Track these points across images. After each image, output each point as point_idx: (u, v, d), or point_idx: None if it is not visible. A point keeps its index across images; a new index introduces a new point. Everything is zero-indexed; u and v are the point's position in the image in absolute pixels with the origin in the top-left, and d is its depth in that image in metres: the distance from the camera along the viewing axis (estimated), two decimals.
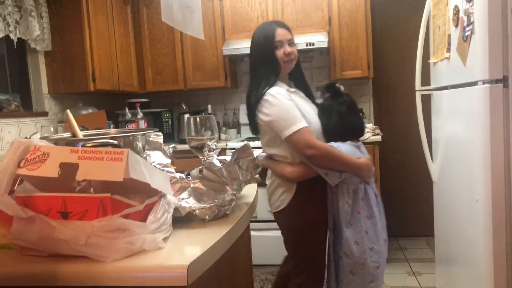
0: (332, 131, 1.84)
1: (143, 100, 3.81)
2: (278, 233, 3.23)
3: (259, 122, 1.85)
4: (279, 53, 1.84)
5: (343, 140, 1.82)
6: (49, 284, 0.85)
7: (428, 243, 3.75)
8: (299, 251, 1.93)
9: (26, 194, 0.92)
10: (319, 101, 1.99)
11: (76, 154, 0.89)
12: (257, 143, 3.29)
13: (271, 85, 1.81)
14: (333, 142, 1.80)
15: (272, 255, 3.27)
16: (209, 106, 3.83)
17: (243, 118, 3.91)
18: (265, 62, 1.86)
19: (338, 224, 1.83)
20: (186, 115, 3.75)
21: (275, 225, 3.25)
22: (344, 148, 1.77)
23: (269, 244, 3.27)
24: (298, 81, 1.99)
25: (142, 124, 3.48)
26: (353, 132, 1.87)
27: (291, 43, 1.87)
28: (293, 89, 1.91)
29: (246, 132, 3.92)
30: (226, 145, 3.37)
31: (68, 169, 0.91)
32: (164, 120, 3.82)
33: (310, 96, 1.98)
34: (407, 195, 3.89)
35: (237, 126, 3.99)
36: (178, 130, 3.85)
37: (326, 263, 1.94)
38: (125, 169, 0.87)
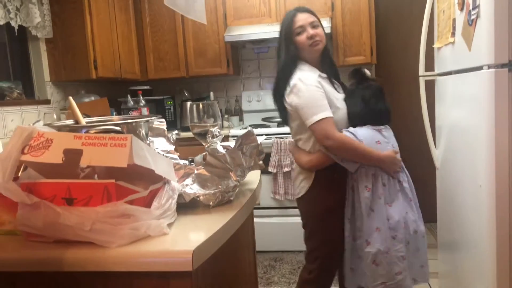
0: (356, 116, 1.83)
1: (145, 87, 3.80)
2: (281, 219, 3.27)
3: (287, 107, 1.86)
4: (302, 38, 1.83)
5: (365, 123, 1.81)
6: (55, 270, 0.86)
7: (430, 229, 3.75)
8: (314, 238, 1.95)
9: (31, 180, 0.92)
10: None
11: (79, 140, 0.89)
12: (260, 130, 3.30)
13: (301, 69, 1.83)
14: (351, 128, 1.79)
15: (275, 241, 3.30)
16: (211, 93, 3.82)
17: (246, 105, 3.90)
18: (288, 50, 1.86)
19: (359, 211, 1.78)
20: (189, 102, 3.75)
21: (278, 211, 3.29)
22: (361, 132, 1.76)
23: (272, 231, 3.29)
24: (327, 65, 1.94)
25: (145, 111, 3.48)
26: (376, 117, 1.83)
27: (315, 25, 1.84)
28: (324, 75, 1.88)
29: (249, 119, 3.92)
30: (229, 132, 3.36)
31: (72, 155, 0.91)
32: (166, 107, 3.81)
33: (339, 81, 1.97)
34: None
35: (239, 113, 3.98)
36: (180, 118, 3.84)
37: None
38: (129, 155, 0.86)
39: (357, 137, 1.75)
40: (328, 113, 1.74)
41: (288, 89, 1.83)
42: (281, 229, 3.29)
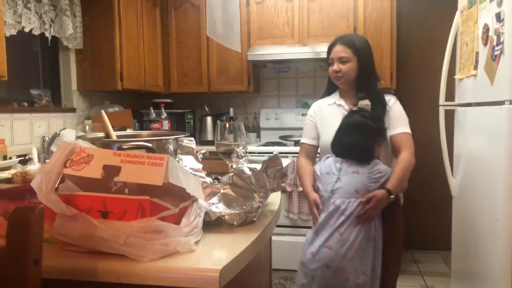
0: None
1: (167, 100, 3.89)
2: (293, 238, 3.29)
3: None
4: (330, 70, 1.98)
5: (332, 152, 1.88)
6: (89, 279, 0.90)
7: (443, 258, 3.73)
8: None
9: (69, 192, 0.98)
10: None
11: (119, 157, 0.95)
12: (277, 148, 3.34)
13: (326, 94, 2.10)
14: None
15: (286, 260, 3.30)
16: (231, 109, 3.88)
17: (264, 122, 3.96)
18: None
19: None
20: (209, 117, 3.82)
21: (291, 230, 3.31)
22: (324, 162, 1.89)
23: (283, 249, 3.30)
24: (364, 92, 1.94)
25: (166, 124, 3.55)
26: (340, 151, 1.85)
27: (343, 61, 1.92)
28: (340, 102, 2.00)
29: (266, 136, 3.97)
30: (246, 149, 3.41)
31: (108, 170, 0.96)
32: (186, 121, 3.89)
33: (376, 107, 1.91)
34: (425, 208, 3.88)
35: (257, 130, 4.03)
36: (200, 132, 3.91)
37: None
38: (165, 174, 0.91)
39: (318, 165, 1.92)
40: (303, 140, 2.07)
41: None
42: (293, 248, 3.30)
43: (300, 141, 2.10)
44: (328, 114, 1.99)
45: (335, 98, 2.03)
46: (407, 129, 1.90)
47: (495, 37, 1.76)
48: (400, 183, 1.78)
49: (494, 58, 1.77)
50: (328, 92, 2.09)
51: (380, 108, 1.91)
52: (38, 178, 0.95)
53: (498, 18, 1.73)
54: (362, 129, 1.80)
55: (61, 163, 0.95)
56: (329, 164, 1.84)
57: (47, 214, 1.00)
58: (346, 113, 1.92)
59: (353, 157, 1.80)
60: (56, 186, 1.05)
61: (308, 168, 1.97)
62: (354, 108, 1.88)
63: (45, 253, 0.96)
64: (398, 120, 1.89)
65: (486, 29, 1.86)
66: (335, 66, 1.93)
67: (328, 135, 1.92)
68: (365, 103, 1.83)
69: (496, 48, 1.74)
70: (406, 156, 1.83)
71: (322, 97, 2.11)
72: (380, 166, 1.78)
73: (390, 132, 1.88)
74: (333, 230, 1.74)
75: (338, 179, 1.79)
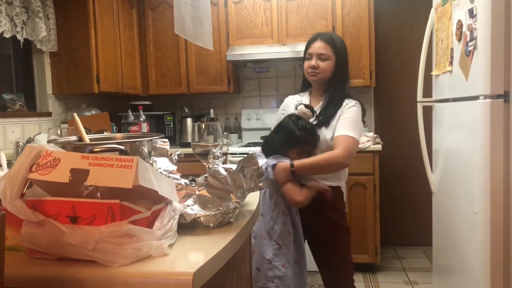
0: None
1: (146, 102, 3.84)
2: None
3: None
4: (306, 64, 1.95)
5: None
6: (58, 287, 0.87)
7: (425, 253, 3.77)
8: None
9: (36, 197, 0.94)
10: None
11: (86, 161, 0.91)
12: (259, 148, 3.32)
13: (300, 91, 2.10)
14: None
15: None
16: (212, 111, 3.86)
17: (245, 123, 3.94)
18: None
19: None
20: (189, 119, 3.78)
21: None
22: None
23: None
24: (329, 94, 1.98)
25: (145, 126, 3.50)
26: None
27: (321, 58, 1.90)
28: (306, 102, 2.00)
29: (247, 137, 3.95)
30: (228, 149, 3.39)
31: (77, 174, 0.93)
32: (166, 123, 3.84)
33: (324, 112, 1.95)
34: (405, 204, 3.92)
35: (238, 131, 4.01)
36: (180, 134, 3.87)
37: None
38: (135, 176, 0.89)
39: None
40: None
41: None
42: None
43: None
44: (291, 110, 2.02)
45: (304, 96, 2.06)
46: (350, 133, 1.84)
47: (468, 33, 1.78)
48: (308, 166, 1.81)
49: (468, 54, 1.78)
50: (303, 88, 2.10)
51: (330, 110, 1.93)
52: (2, 184, 0.91)
53: (471, 14, 1.75)
54: (283, 130, 1.92)
55: (26, 167, 0.91)
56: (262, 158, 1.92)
57: (14, 221, 0.96)
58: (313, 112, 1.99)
59: (263, 150, 2.00)
60: (23, 191, 1.01)
61: None
62: (296, 112, 1.93)
63: (12, 262, 0.93)
64: (343, 123, 1.87)
65: (459, 25, 1.88)
66: (314, 62, 1.91)
67: None
68: (303, 111, 1.89)
69: (470, 44, 1.76)
70: (332, 152, 1.82)
71: (298, 93, 2.14)
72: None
73: (334, 134, 1.88)
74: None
75: None
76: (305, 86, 2.08)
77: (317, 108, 1.96)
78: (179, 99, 4.04)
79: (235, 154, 3.34)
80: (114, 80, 3.34)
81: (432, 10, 2.37)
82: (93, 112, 3.28)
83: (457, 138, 2.03)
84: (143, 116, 3.57)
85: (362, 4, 3.49)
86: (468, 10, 1.78)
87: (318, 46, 1.91)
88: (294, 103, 2.02)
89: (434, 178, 2.46)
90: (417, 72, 2.45)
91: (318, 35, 1.96)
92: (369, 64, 3.52)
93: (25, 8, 2.83)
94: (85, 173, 0.91)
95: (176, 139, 3.93)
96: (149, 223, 0.97)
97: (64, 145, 1.24)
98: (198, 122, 1.55)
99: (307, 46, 1.96)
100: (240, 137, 4.02)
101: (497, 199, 1.70)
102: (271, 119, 3.95)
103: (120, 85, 3.41)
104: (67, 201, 0.92)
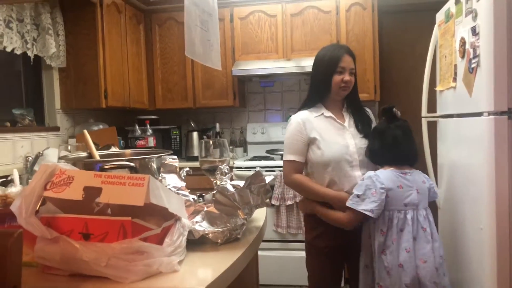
0: (379, 154, 1.84)
1: (153, 117, 3.88)
2: (282, 253, 3.28)
3: None
4: (337, 78, 1.87)
5: (392, 163, 1.81)
6: None
7: None
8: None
9: (50, 215, 0.97)
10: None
11: (99, 179, 0.94)
12: (264, 163, 3.35)
13: (306, 107, 1.96)
14: (376, 171, 1.80)
15: (276, 275, 3.29)
16: (217, 125, 3.89)
17: (250, 136, 3.97)
18: (319, 83, 1.92)
19: (373, 253, 1.78)
20: (195, 133, 3.82)
21: (279, 245, 3.30)
22: (382, 175, 1.75)
23: (273, 264, 3.29)
24: (353, 105, 1.99)
25: (151, 141, 3.54)
26: (401, 159, 1.82)
27: (352, 72, 1.91)
28: (329, 114, 1.93)
29: (253, 150, 3.97)
30: (233, 163, 3.41)
31: (90, 191, 0.95)
32: (172, 137, 3.88)
33: (360, 121, 1.96)
34: None
35: (244, 144, 4.04)
36: (186, 148, 3.90)
37: None
38: (146, 194, 0.91)
39: (379, 180, 1.72)
40: (291, 157, 1.89)
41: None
42: (282, 263, 3.29)
43: (286, 158, 1.91)
44: (322, 127, 1.89)
45: (319, 110, 1.93)
46: None
47: (471, 50, 1.81)
48: None
49: (471, 71, 1.81)
50: (310, 104, 1.96)
51: (366, 119, 1.99)
52: (18, 201, 0.94)
53: (474, 32, 1.78)
54: (412, 134, 1.87)
55: (41, 185, 0.94)
56: (393, 178, 1.74)
57: (28, 238, 0.99)
58: (338, 125, 1.91)
59: (412, 163, 1.83)
60: (37, 209, 1.04)
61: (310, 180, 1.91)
62: (397, 115, 1.90)
63: (26, 277, 0.95)
64: None
65: (462, 42, 1.91)
66: (347, 76, 1.88)
67: (332, 149, 1.85)
68: (397, 110, 1.91)
69: (473, 61, 1.78)
70: None
71: (302, 109, 1.97)
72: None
73: None
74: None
75: (417, 191, 1.76)
76: (314, 101, 1.96)
77: (347, 120, 1.96)
78: (185, 113, 4.08)
79: (241, 168, 3.36)
80: (122, 95, 3.38)
81: (436, 26, 2.40)
82: (101, 126, 3.33)
83: (461, 153, 2.05)
84: (149, 130, 3.60)
85: (366, 20, 3.53)
86: (471, 28, 1.80)
87: (349, 61, 1.90)
88: (313, 119, 1.91)
89: (440, 193, 2.46)
90: (421, 86, 2.47)
91: (344, 50, 1.92)
92: (373, 78, 3.55)
93: (35, 25, 2.89)
94: (97, 190, 0.94)
95: (182, 153, 3.96)
96: (159, 239, 0.99)
97: (75, 162, 1.27)
98: (205, 139, 1.57)
99: (337, 60, 1.88)
100: (245, 150, 4.04)
101: (503, 215, 1.70)
102: (276, 133, 4.00)
103: (127, 99, 3.46)
104: (80, 218, 0.95)
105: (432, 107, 2.51)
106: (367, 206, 1.69)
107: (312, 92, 1.97)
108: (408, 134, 1.85)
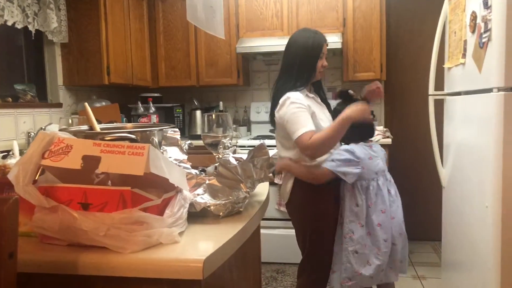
0: (348, 133, 1.86)
1: (156, 94, 3.84)
2: (284, 231, 3.28)
3: (276, 120, 1.95)
4: (320, 63, 1.98)
5: (355, 141, 1.96)
6: (68, 273, 0.88)
7: (434, 248, 3.74)
8: (304, 247, 2.02)
9: (48, 184, 0.95)
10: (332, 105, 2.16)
11: (98, 148, 0.92)
12: (268, 142, 3.32)
13: (296, 88, 1.93)
14: (346, 145, 1.96)
15: (278, 253, 3.30)
16: (221, 103, 3.85)
17: (254, 115, 3.93)
18: (304, 67, 1.96)
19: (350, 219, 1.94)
20: (198, 111, 3.78)
21: (281, 223, 3.30)
22: (357, 149, 1.91)
23: (275, 242, 3.29)
24: (317, 87, 2.14)
25: (154, 118, 3.51)
26: (365, 134, 2.01)
27: (326, 57, 2.03)
28: (311, 95, 2.02)
29: (257, 129, 3.94)
30: (237, 142, 3.39)
31: (89, 161, 0.93)
32: (175, 115, 3.85)
33: (325, 102, 2.12)
34: (415, 199, 3.89)
35: (247, 123, 4.01)
36: (189, 126, 3.87)
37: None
38: (146, 163, 0.89)
39: (355, 154, 1.89)
40: (307, 128, 1.80)
41: (280, 104, 1.90)
42: (285, 241, 3.30)
43: (300, 133, 1.80)
44: (314, 107, 1.95)
45: (304, 91, 1.96)
46: None
47: (482, 24, 1.75)
48: None
49: (482, 46, 1.76)
50: (301, 87, 1.95)
51: (324, 99, 2.13)
52: (15, 170, 0.92)
53: (486, 5, 1.72)
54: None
55: (38, 154, 0.92)
56: (364, 151, 1.92)
57: (26, 207, 0.97)
58: (319, 105, 2.04)
59: (370, 136, 2.03)
60: (35, 178, 1.02)
61: None
62: (352, 96, 2.01)
63: (24, 247, 0.94)
64: None
65: (473, 16, 1.85)
66: (325, 62, 2.01)
67: (326, 124, 1.92)
68: (352, 91, 2.03)
69: (484, 36, 1.73)
70: None
71: (297, 89, 1.93)
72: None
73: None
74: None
75: (381, 159, 1.98)
76: (304, 84, 1.96)
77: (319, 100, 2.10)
78: (189, 91, 4.04)
79: (244, 146, 3.34)
80: (124, 72, 3.35)
81: (446, 1, 2.33)
82: (103, 103, 3.30)
83: (468, 131, 2.01)
84: (152, 108, 3.58)
85: None
86: (483, 1, 1.75)
87: (326, 47, 2.01)
88: (304, 97, 1.93)
89: (444, 172, 2.44)
90: (429, 65, 2.42)
91: (322, 35, 2.02)
92: (380, 57, 3.49)
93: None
94: (96, 160, 0.92)
95: (185, 131, 3.93)
96: (160, 211, 0.97)
97: (75, 134, 1.25)
98: (208, 113, 1.55)
99: (321, 46, 1.96)
100: (249, 129, 4.01)
101: (509, 192, 1.68)
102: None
103: (130, 76, 3.42)
104: (79, 188, 0.93)
105: (439, 86, 2.47)
106: (347, 170, 1.87)
107: (299, 75, 1.96)
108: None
